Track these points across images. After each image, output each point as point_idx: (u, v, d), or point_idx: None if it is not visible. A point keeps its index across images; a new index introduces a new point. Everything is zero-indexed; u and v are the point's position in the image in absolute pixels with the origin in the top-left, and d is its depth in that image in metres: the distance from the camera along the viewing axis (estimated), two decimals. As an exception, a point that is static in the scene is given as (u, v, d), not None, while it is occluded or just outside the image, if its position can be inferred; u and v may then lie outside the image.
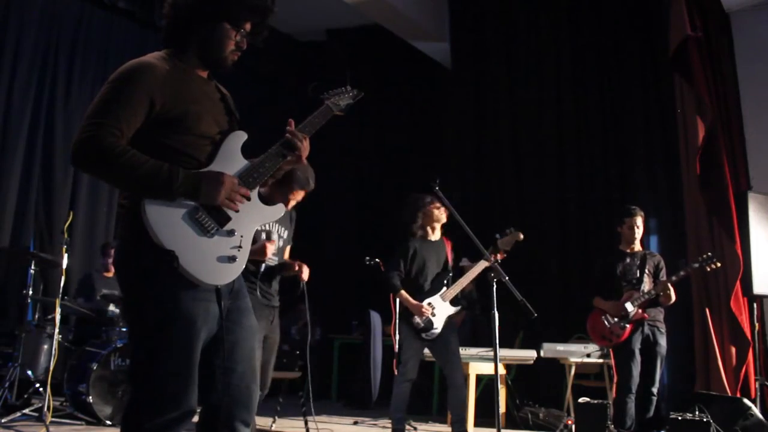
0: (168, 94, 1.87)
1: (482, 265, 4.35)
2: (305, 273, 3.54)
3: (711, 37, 5.78)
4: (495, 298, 3.17)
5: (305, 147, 2.07)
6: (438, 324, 4.38)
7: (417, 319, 4.35)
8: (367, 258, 5.36)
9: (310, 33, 8.59)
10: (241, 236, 1.93)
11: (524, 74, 7.21)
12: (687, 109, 5.67)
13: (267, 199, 2.09)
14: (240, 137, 2.00)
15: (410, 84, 8.14)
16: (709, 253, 4.60)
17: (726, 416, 4.41)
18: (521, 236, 4.38)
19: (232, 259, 1.89)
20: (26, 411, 4.48)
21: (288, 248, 3.70)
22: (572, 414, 5.23)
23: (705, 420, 4.29)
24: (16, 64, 6.14)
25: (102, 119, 1.78)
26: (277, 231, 3.62)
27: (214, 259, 1.86)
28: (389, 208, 7.81)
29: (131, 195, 1.86)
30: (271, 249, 3.36)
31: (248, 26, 2.01)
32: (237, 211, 1.90)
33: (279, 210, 2.06)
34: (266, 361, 3.51)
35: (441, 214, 4.56)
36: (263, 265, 3.44)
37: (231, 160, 1.95)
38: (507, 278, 3.14)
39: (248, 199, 1.94)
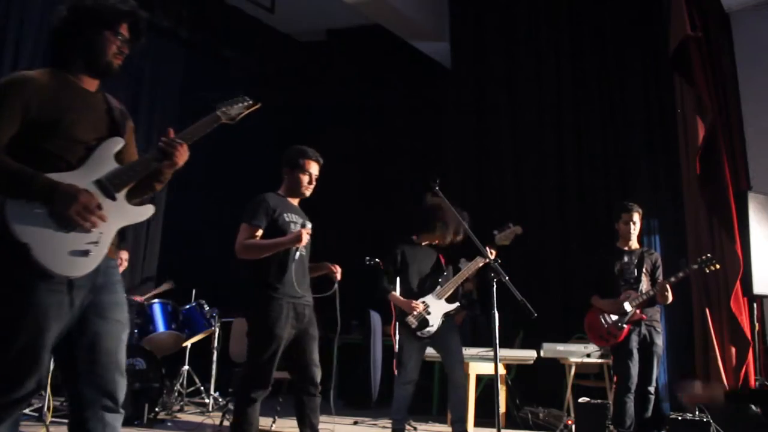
0: (44, 100, 2.04)
1: (478, 261, 4.39)
2: (339, 273, 3.71)
3: (711, 37, 5.78)
4: (495, 298, 3.18)
5: (181, 153, 2.20)
6: (434, 321, 4.40)
7: (410, 318, 4.39)
8: (367, 258, 5.36)
9: (310, 33, 8.59)
10: (101, 233, 2.07)
11: (524, 74, 7.21)
12: (687, 109, 5.66)
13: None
14: (115, 143, 2.16)
15: (410, 84, 8.14)
16: (709, 255, 4.60)
17: (726, 416, 4.41)
18: (520, 230, 4.40)
19: (85, 253, 2.02)
20: (26, 411, 4.48)
21: None
22: (572, 414, 5.23)
23: (705, 420, 4.29)
24: (16, 65, 6.13)
25: None
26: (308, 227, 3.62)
27: (67, 253, 1.99)
28: (389, 207, 7.88)
29: None
30: (306, 236, 3.40)
31: (125, 32, 2.20)
32: (88, 230, 2.02)
33: (147, 211, 2.21)
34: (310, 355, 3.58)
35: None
36: (297, 253, 3.47)
37: (101, 163, 2.12)
38: (507, 278, 3.15)
39: (113, 198, 2.10)
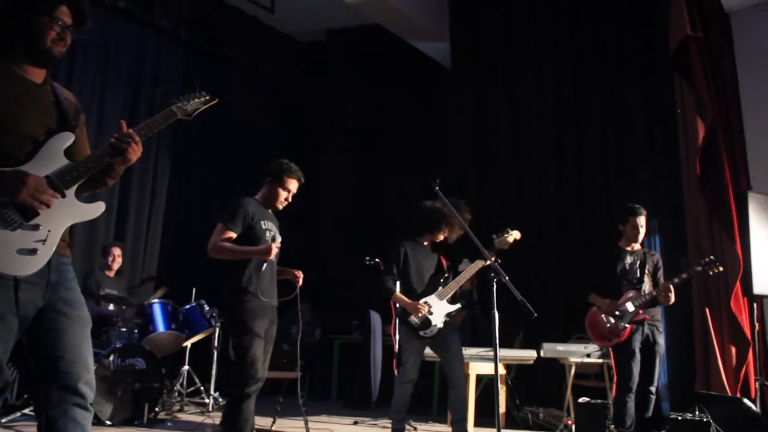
0: None
1: (478, 264, 4.41)
2: (301, 279, 3.82)
3: (711, 37, 5.78)
4: (495, 298, 3.18)
5: (134, 149, 2.13)
6: (436, 321, 4.41)
7: (413, 318, 4.39)
8: (367, 258, 5.36)
9: (310, 33, 8.60)
10: (48, 231, 2.01)
11: (524, 74, 7.21)
12: (687, 109, 5.66)
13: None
14: (65, 138, 2.09)
15: (410, 84, 8.15)
16: (712, 257, 4.59)
17: (726, 416, 4.41)
18: (519, 235, 4.42)
19: (32, 251, 1.97)
20: (26, 411, 4.49)
21: None
22: (572, 414, 5.23)
23: (705, 420, 4.29)
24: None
25: None
26: (279, 233, 3.79)
27: (13, 251, 1.94)
28: (389, 208, 7.88)
29: None
30: (275, 250, 3.57)
31: (66, 18, 2.11)
32: (48, 206, 1.97)
33: (98, 208, 2.14)
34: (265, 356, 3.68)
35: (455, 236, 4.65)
36: (265, 264, 3.60)
37: (50, 158, 2.05)
38: (507, 278, 3.15)
39: (63, 195, 2.02)
